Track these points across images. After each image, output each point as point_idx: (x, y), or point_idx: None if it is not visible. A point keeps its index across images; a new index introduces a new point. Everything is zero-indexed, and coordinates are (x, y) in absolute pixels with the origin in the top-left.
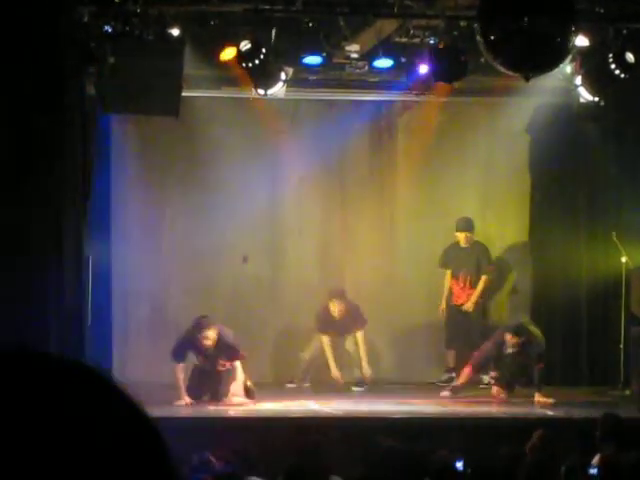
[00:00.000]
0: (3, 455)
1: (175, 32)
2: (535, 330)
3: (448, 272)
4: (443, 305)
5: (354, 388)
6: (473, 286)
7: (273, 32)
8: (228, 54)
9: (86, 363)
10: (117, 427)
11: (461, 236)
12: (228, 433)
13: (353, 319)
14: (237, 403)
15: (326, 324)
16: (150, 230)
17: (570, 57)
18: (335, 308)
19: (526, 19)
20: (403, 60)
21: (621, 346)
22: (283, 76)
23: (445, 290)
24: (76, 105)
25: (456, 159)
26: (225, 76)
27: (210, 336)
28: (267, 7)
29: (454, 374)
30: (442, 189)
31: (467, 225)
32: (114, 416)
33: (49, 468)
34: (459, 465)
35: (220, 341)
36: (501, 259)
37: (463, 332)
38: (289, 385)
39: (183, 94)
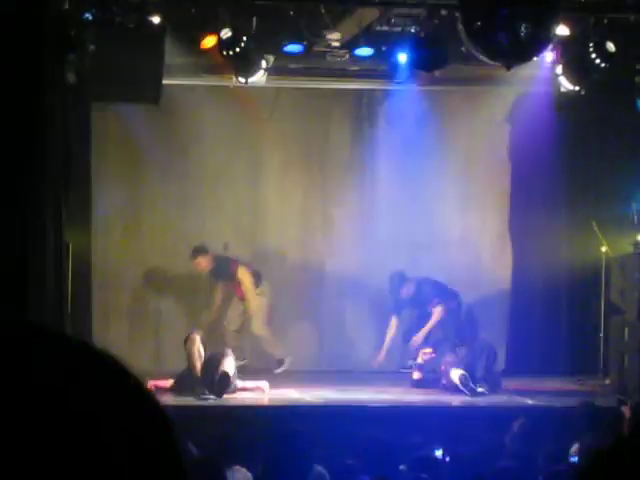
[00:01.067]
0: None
1: (156, 20)
2: None
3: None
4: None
5: (276, 370)
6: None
7: (254, 20)
8: (209, 42)
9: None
10: (127, 408)
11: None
12: (209, 421)
13: (226, 270)
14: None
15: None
16: (130, 218)
17: (551, 46)
18: (198, 267)
19: (508, 8)
20: (384, 49)
21: (601, 335)
22: (264, 64)
23: (388, 340)
24: (56, 93)
25: (437, 148)
26: (206, 64)
27: None
28: None
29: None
30: (423, 177)
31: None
32: (123, 397)
33: (55, 450)
34: (438, 454)
35: None
36: (480, 248)
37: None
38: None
39: (164, 82)
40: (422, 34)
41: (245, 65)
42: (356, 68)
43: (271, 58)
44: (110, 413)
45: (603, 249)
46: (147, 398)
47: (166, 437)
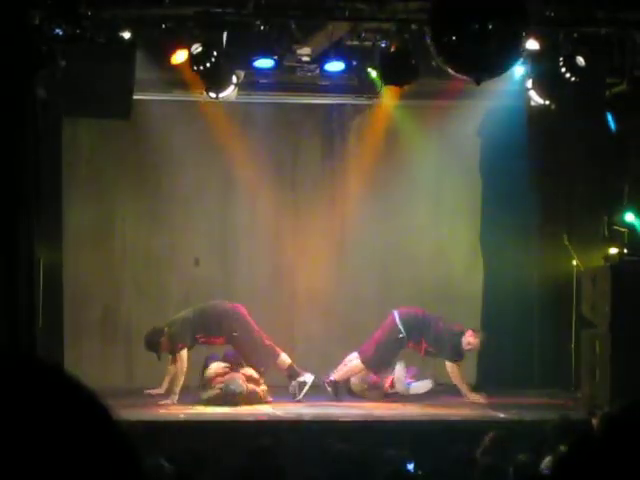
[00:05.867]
0: None
1: (126, 35)
2: None
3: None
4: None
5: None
6: None
7: (224, 35)
8: (179, 57)
9: (56, 365)
10: (87, 427)
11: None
12: (181, 436)
13: None
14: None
15: None
16: (101, 232)
17: (521, 60)
18: None
19: (477, 22)
20: (354, 63)
21: (572, 348)
22: (234, 79)
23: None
24: (27, 108)
25: (407, 162)
26: (176, 79)
27: None
28: (218, 10)
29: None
30: (393, 192)
31: None
32: (84, 418)
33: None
34: (410, 467)
35: None
36: (452, 262)
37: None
38: None
39: (134, 97)
40: (392, 48)
41: (216, 80)
42: (326, 83)
43: (241, 73)
44: (70, 435)
45: (574, 262)
46: (106, 418)
47: (126, 457)
